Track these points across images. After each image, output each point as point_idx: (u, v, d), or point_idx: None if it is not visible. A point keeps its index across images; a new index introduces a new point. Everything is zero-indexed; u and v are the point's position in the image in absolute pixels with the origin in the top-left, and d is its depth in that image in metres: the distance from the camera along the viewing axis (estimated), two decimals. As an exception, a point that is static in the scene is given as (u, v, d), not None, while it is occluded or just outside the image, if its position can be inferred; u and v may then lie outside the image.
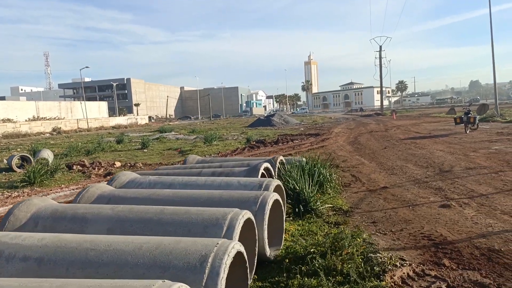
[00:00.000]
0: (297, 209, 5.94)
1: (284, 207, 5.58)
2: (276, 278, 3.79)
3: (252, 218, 3.81)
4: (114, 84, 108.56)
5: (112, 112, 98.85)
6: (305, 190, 6.05)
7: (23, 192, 10.29)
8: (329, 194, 7.40)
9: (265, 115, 63.37)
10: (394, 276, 3.63)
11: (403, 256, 4.18)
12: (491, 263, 3.96)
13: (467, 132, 17.54)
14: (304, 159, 7.86)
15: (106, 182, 6.05)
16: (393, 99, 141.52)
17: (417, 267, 3.86)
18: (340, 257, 3.78)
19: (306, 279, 3.59)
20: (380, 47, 62.89)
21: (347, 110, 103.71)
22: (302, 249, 4.08)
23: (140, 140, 25.32)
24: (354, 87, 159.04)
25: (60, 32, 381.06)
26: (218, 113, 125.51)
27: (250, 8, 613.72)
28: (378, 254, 3.93)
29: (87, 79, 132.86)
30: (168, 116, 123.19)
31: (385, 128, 26.04)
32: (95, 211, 3.95)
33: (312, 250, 3.96)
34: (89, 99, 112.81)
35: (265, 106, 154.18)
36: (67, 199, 8.58)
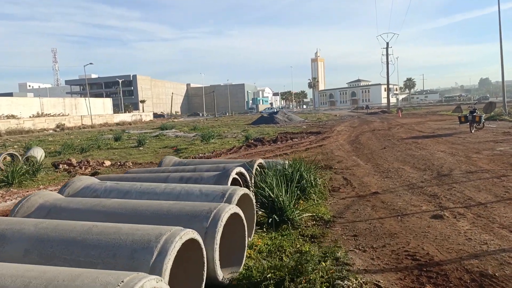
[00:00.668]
0: (270, 220, 5.34)
1: (254, 219, 4.99)
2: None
3: (197, 237, 3.22)
4: (120, 81, 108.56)
5: (118, 108, 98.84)
6: (281, 198, 5.44)
7: (-4, 194, 9.80)
8: (314, 200, 6.79)
9: (267, 112, 62.46)
10: (363, 309, 3.03)
11: (379, 282, 3.57)
12: (482, 292, 3.33)
13: (472, 131, 16.77)
14: (287, 162, 7.25)
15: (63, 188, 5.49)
16: (401, 97, 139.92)
17: (393, 297, 3.25)
18: (300, 286, 3.18)
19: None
20: (387, 44, 61.89)
21: (353, 107, 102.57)
22: (258, 274, 3.48)
23: (138, 138, 24.87)
24: (361, 85, 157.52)
25: (69, 29, 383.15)
26: (224, 110, 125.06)
27: (257, 4, 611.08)
28: (346, 282, 3.32)
29: (94, 76, 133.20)
30: (174, 113, 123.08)
31: (388, 127, 25.27)
32: (16, 227, 3.39)
33: (269, 275, 3.35)
34: (96, 95, 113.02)
35: (271, 103, 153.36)
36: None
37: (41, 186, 10.80)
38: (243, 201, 4.90)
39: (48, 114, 62.30)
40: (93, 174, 13.23)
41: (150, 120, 79.55)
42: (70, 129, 55.08)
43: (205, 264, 3.35)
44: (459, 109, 34.01)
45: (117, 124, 66.12)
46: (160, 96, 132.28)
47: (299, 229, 5.29)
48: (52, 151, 21.10)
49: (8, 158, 15.93)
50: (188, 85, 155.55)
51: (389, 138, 17.74)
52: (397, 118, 37.62)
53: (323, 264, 3.64)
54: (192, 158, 15.97)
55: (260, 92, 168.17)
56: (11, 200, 8.95)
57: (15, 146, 25.73)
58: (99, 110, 75.73)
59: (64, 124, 57.34)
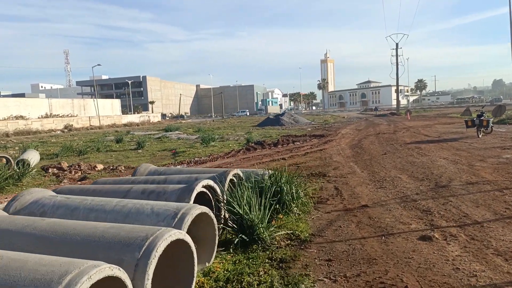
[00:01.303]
0: (235, 241, 4.81)
1: (215, 240, 4.46)
2: None
3: (120, 274, 2.71)
4: (130, 82, 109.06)
5: (127, 109, 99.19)
6: (251, 215, 4.90)
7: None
8: (295, 214, 6.24)
9: (273, 114, 61.69)
10: None
11: (341, 325, 3.01)
12: None
13: (480, 136, 15.99)
14: (268, 171, 6.70)
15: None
16: (412, 98, 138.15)
17: None
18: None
19: None
20: (397, 44, 60.87)
21: (362, 109, 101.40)
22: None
23: (137, 140, 24.53)
24: (372, 86, 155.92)
25: (82, 30, 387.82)
26: (233, 112, 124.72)
27: (267, 4, 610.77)
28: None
29: (104, 77, 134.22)
30: (184, 114, 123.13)
31: (394, 130, 24.53)
32: None
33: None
34: (106, 96, 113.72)
35: (281, 105, 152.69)
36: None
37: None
38: (205, 220, 4.39)
39: (57, 115, 62.55)
40: (82, 179, 12.86)
41: (158, 121, 79.57)
42: (78, 130, 55.22)
43: (133, 303, 2.83)
44: (468, 111, 32.97)
45: (125, 125, 66.18)
46: (169, 97, 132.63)
47: (270, 251, 4.75)
48: (50, 154, 20.83)
49: (4, 160, 15.64)
50: (197, 86, 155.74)
51: (392, 142, 17.06)
52: (405, 120, 36.75)
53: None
54: (187, 162, 15.53)
55: (270, 93, 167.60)
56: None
57: (16, 148, 25.57)
58: (108, 111, 75.88)
59: (72, 125, 57.53)
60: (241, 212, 4.88)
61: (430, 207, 6.31)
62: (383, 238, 5.04)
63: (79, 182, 12.36)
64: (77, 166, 14.32)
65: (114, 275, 2.67)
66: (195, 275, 3.61)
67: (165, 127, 45.13)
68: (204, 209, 4.17)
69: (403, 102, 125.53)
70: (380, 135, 21.35)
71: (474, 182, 7.83)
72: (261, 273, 4.06)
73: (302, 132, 29.67)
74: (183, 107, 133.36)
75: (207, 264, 4.34)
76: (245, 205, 4.98)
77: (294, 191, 6.39)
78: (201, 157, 16.80)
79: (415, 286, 3.63)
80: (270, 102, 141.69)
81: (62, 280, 2.43)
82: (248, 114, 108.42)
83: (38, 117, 57.62)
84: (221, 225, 5.17)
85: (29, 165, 15.10)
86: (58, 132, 51.20)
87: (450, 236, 4.90)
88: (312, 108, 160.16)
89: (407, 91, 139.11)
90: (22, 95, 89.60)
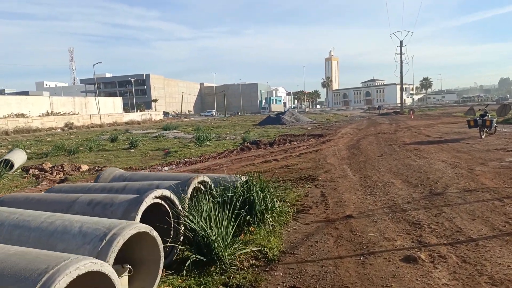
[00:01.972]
0: (187, 262, 4.16)
1: (159, 263, 3.80)
2: None
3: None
4: (133, 80, 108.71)
5: (130, 107, 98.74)
6: (209, 231, 4.26)
7: None
8: (270, 226, 5.58)
9: (275, 113, 60.84)
10: None
11: None
12: None
13: (483, 137, 15.22)
14: (242, 178, 6.03)
15: None
16: (417, 97, 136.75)
17: None
18: None
19: None
20: (401, 42, 59.85)
21: (366, 108, 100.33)
22: None
23: (130, 139, 23.94)
24: (376, 84, 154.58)
25: (89, 28, 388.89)
26: (237, 110, 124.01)
27: (275, 2, 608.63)
28: None
29: (108, 75, 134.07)
30: (187, 112, 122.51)
31: (395, 130, 23.76)
32: None
33: None
34: (110, 94, 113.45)
35: (284, 103, 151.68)
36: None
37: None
38: (149, 239, 3.74)
39: (58, 113, 62.26)
40: (62, 181, 12.28)
41: (160, 119, 79.02)
42: (79, 128, 54.79)
43: None
44: (472, 111, 31.98)
45: (126, 123, 65.72)
46: (173, 95, 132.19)
47: (228, 273, 4.10)
48: (40, 153, 20.32)
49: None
50: (201, 84, 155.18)
51: (391, 143, 16.33)
52: (408, 119, 35.92)
53: None
54: (177, 163, 14.93)
55: (274, 91, 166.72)
56: None
57: (10, 146, 25.09)
58: (109, 109, 75.50)
59: (72, 123, 57.14)
60: (196, 228, 4.23)
61: (421, 219, 5.62)
62: (361, 258, 4.38)
63: (56, 184, 11.79)
64: (60, 167, 13.74)
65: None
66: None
67: (166, 125, 44.57)
68: (143, 227, 3.53)
69: (409, 100, 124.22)
70: (379, 135, 20.62)
71: (472, 190, 7.12)
72: (208, 304, 3.41)
73: (301, 131, 28.99)
74: (186, 105, 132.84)
75: (149, 292, 3.70)
76: (203, 220, 4.34)
77: (268, 200, 5.73)
78: (191, 158, 16.19)
79: (388, 327, 2.96)
80: (274, 100, 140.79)
81: None
82: (214, 114, 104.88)
83: (39, 115, 57.30)
84: (179, 243, 4.54)
85: (12, 166, 14.58)
86: (58, 130, 50.83)
87: (439, 257, 4.21)
88: (316, 106, 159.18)
89: (412, 90, 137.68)
90: (26, 93, 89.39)
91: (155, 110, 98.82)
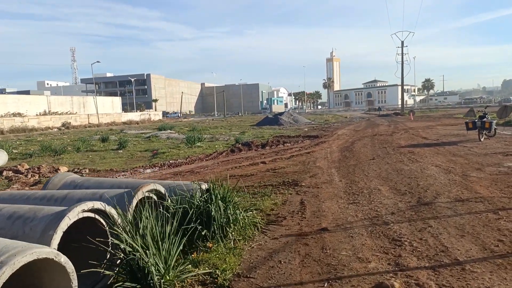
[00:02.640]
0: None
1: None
2: None
3: None
4: (133, 80, 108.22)
5: (131, 107, 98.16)
6: (143, 253, 3.59)
7: None
8: (231, 242, 4.92)
9: (274, 113, 60.15)
10: None
11: None
12: None
13: (482, 139, 14.50)
14: (203, 186, 5.36)
15: None
16: (419, 98, 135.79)
17: None
18: None
19: None
20: (402, 42, 59.10)
21: (367, 109, 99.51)
22: None
23: (119, 140, 23.30)
24: (378, 85, 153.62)
25: (91, 28, 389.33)
26: (237, 110, 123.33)
27: (276, 2, 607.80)
28: None
29: (109, 74, 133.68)
30: (188, 112, 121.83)
31: (392, 132, 23.04)
32: None
33: None
34: (110, 94, 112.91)
35: (286, 104, 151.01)
36: None
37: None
38: (59, 268, 3.08)
39: (55, 113, 61.74)
40: (35, 184, 11.66)
41: (159, 119, 78.41)
42: (76, 127, 54.23)
43: None
44: (471, 112, 31.16)
45: (124, 123, 65.16)
46: (174, 95, 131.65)
47: (165, 303, 3.44)
48: (24, 154, 19.72)
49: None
50: (202, 84, 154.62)
51: (386, 145, 15.63)
52: (408, 121, 35.19)
53: None
54: (161, 165, 14.28)
55: (275, 92, 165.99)
56: None
57: (-2, 147, 24.46)
58: (108, 109, 74.99)
59: (70, 122, 56.59)
60: (127, 249, 3.57)
61: (403, 234, 4.94)
62: (326, 284, 3.70)
63: (31, 187, 11.17)
64: (36, 169, 13.10)
65: None
66: None
67: (163, 125, 43.99)
68: (44, 253, 2.86)
69: (410, 102, 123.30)
70: (375, 137, 19.92)
71: (465, 199, 6.43)
72: None
73: (297, 132, 28.34)
74: (187, 105, 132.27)
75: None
76: (139, 238, 3.67)
77: (231, 212, 5.06)
78: (177, 160, 15.55)
79: None
80: (276, 101, 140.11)
81: None
82: (179, 115, 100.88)
83: (36, 115, 56.83)
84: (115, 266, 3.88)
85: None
86: (55, 130, 50.30)
87: (416, 286, 3.53)
88: (317, 107, 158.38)
89: (414, 91, 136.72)
90: (27, 93, 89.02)
91: (155, 110, 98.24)
